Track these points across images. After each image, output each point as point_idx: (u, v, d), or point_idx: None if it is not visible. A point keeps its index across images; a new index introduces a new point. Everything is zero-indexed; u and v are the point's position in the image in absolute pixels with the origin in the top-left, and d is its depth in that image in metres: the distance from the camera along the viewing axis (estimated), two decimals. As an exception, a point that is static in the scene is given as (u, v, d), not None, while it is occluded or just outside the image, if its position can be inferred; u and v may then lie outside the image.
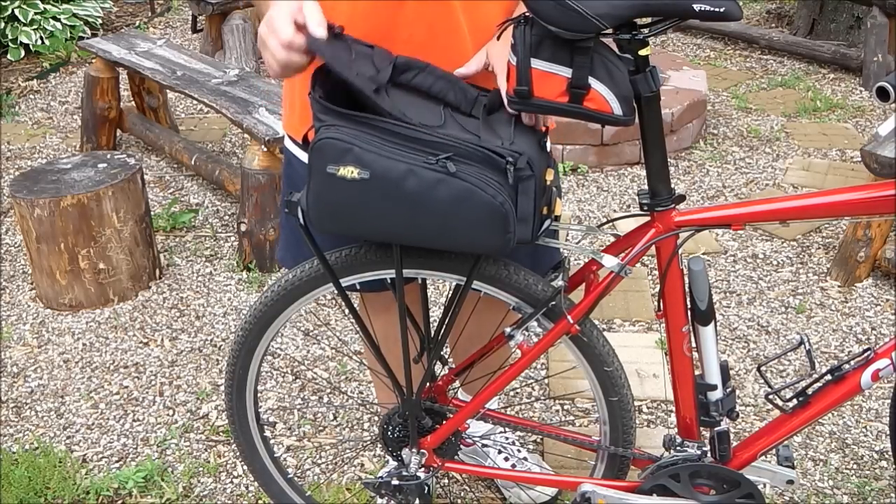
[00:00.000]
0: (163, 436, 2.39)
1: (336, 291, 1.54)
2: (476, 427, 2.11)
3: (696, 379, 1.58)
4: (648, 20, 1.31)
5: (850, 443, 2.26)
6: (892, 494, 2.10)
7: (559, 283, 1.53)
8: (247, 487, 2.21)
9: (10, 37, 5.33)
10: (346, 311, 2.31)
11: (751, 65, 5.07)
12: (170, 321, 2.91)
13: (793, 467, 1.63)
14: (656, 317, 1.72)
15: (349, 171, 1.30)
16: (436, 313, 1.73)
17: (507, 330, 1.56)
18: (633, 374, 2.53)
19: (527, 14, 1.31)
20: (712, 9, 1.24)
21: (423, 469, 1.68)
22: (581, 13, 1.24)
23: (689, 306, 1.52)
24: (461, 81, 1.44)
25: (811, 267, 3.03)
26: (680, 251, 1.48)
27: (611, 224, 3.10)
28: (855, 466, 2.19)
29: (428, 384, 1.67)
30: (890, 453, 2.22)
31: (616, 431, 1.64)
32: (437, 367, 1.68)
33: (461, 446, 1.80)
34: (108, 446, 2.37)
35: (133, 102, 4.29)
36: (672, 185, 1.46)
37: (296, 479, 2.11)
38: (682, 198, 1.47)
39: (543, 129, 1.44)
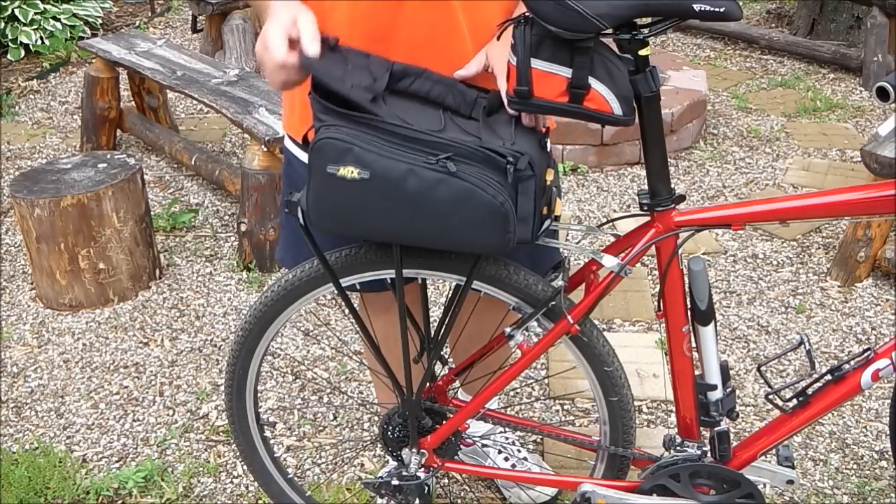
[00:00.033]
0: (163, 436, 2.39)
1: (336, 291, 1.54)
2: (476, 427, 2.11)
3: (696, 379, 1.58)
4: (648, 20, 1.31)
5: (850, 443, 2.26)
6: (892, 494, 2.10)
7: (559, 283, 1.53)
8: (247, 487, 2.21)
9: (10, 37, 5.33)
10: (346, 311, 2.31)
11: (751, 65, 5.07)
12: (170, 321, 2.91)
13: (793, 467, 1.63)
14: (656, 317, 1.72)
15: (349, 171, 1.30)
16: (436, 313, 1.73)
17: (507, 330, 1.56)
18: (633, 374, 2.53)
19: (527, 14, 1.31)
20: (712, 9, 1.24)
21: (423, 469, 1.68)
22: (581, 13, 1.24)
23: (689, 306, 1.52)
24: (459, 84, 1.44)
25: (811, 267, 3.03)
26: (680, 251, 1.48)
27: (611, 224, 3.10)
28: (855, 466, 2.19)
29: (428, 384, 1.67)
30: (890, 453, 2.22)
31: (616, 431, 1.64)
32: (437, 367, 1.68)
33: (461, 446, 1.80)
34: (108, 446, 2.37)
35: (133, 102, 4.29)
36: (672, 185, 1.46)
37: (296, 479, 2.11)
38: (682, 198, 1.47)
39: (544, 129, 1.44)
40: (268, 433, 2.38)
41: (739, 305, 2.85)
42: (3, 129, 4.56)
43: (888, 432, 2.24)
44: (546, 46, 1.30)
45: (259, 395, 2.24)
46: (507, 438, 2.15)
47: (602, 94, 1.31)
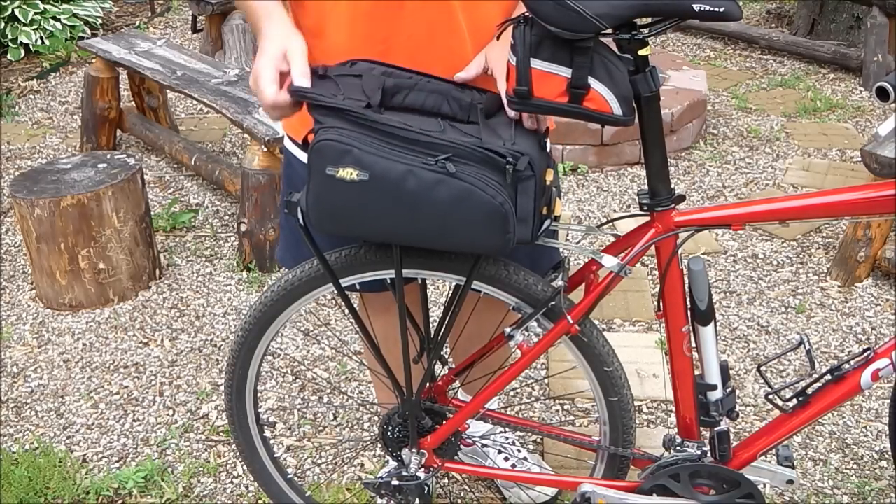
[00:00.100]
0: (163, 436, 2.39)
1: (336, 291, 1.54)
2: (476, 427, 2.11)
3: (696, 379, 1.58)
4: (648, 20, 1.31)
5: (850, 443, 2.26)
6: (892, 494, 2.10)
7: (559, 283, 1.53)
8: (247, 487, 2.21)
9: (10, 37, 5.33)
10: (346, 311, 2.31)
11: (751, 65, 5.07)
12: (170, 321, 2.91)
13: (793, 467, 1.63)
14: (656, 317, 1.72)
15: (348, 173, 1.30)
16: (436, 313, 1.73)
17: (507, 330, 1.56)
18: (633, 374, 2.53)
19: (526, 14, 1.31)
20: (712, 9, 1.24)
21: (422, 469, 1.68)
22: (581, 13, 1.24)
23: (689, 306, 1.52)
24: (454, 90, 1.44)
25: (811, 267, 3.03)
26: (680, 251, 1.48)
27: (611, 224, 3.10)
28: (855, 466, 2.19)
29: (428, 384, 1.67)
30: (890, 453, 2.22)
31: (616, 431, 1.64)
32: (437, 368, 1.68)
33: (461, 446, 1.80)
34: (108, 446, 2.37)
35: (133, 102, 4.29)
36: (672, 185, 1.46)
37: (296, 479, 2.11)
38: (681, 198, 1.47)
39: (543, 129, 1.44)
40: (268, 433, 2.38)
41: (739, 305, 2.85)
42: (3, 129, 4.56)
43: (888, 432, 2.24)
44: (546, 46, 1.30)
45: (259, 395, 2.24)
46: (507, 438, 2.15)
47: (602, 94, 1.31)
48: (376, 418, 2.43)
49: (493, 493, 2.14)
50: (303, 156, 1.57)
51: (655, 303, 2.46)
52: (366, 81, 1.39)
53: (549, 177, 1.37)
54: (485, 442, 2.11)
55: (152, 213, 3.40)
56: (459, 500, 2.13)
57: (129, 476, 2.21)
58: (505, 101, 1.38)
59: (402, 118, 1.34)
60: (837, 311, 2.79)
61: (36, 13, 5.37)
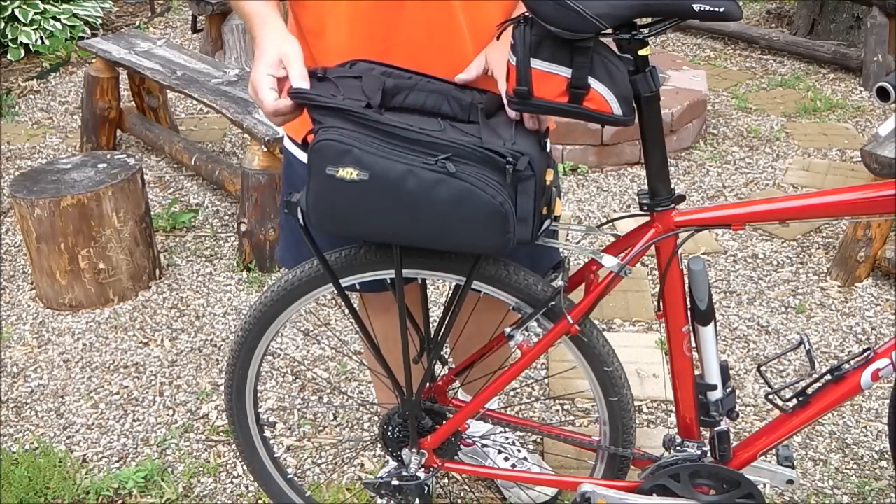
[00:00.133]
0: (163, 436, 2.39)
1: (336, 291, 1.54)
2: (476, 427, 2.11)
3: (696, 379, 1.58)
4: (648, 20, 1.31)
5: (850, 443, 2.26)
6: (892, 494, 2.10)
7: (559, 283, 1.53)
8: (247, 487, 2.21)
9: (10, 37, 5.33)
10: (346, 311, 2.31)
11: (751, 65, 5.07)
12: (170, 321, 2.91)
13: (793, 467, 1.63)
14: (656, 317, 1.72)
15: (348, 173, 1.30)
16: (436, 313, 1.73)
17: (507, 330, 1.56)
18: (633, 374, 2.53)
19: (526, 14, 1.31)
20: (712, 9, 1.24)
21: (423, 469, 1.68)
22: (581, 13, 1.24)
23: (689, 306, 1.52)
24: (454, 90, 1.44)
25: (811, 267, 3.03)
26: (680, 251, 1.48)
27: (611, 224, 3.10)
28: (855, 466, 2.19)
29: (428, 384, 1.67)
30: (890, 453, 2.22)
31: (616, 431, 1.64)
32: (437, 368, 1.68)
33: (461, 446, 1.80)
34: (108, 446, 2.37)
35: (133, 102, 4.29)
36: (672, 185, 1.46)
37: (296, 479, 2.11)
38: (681, 198, 1.47)
39: (544, 129, 1.44)
40: (268, 433, 2.38)
41: (739, 305, 2.85)
42: (3, 129, 4.56)
43: (888, 432, 2.24)
44: (546, 46, 1.30)
45: (259, 395, 2.24)
46: (507, 438, 2.15)
47: (602, 94, 1.31)
48: (376, 418, 2.43)
49: (493, 493, 2.14)
50: (303, 156, 1.57)
51: (655, 303, 2.46)
52: (366, 82, 1.39)
53: (549, 177, 1.37)
54: (485, 442, 2.11)
55: (152, 213, 3.40)
56: (459, 500, 2.13)
57: (129, 476, 2.21)
58: (505, 101, 1.38)
59: (402, 118, 1.34)
60: (837, 311, 2.80)
61: (36, 13, 5.37)
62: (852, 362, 1.53)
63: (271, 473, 1.86)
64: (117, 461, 2.32)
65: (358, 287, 1.60)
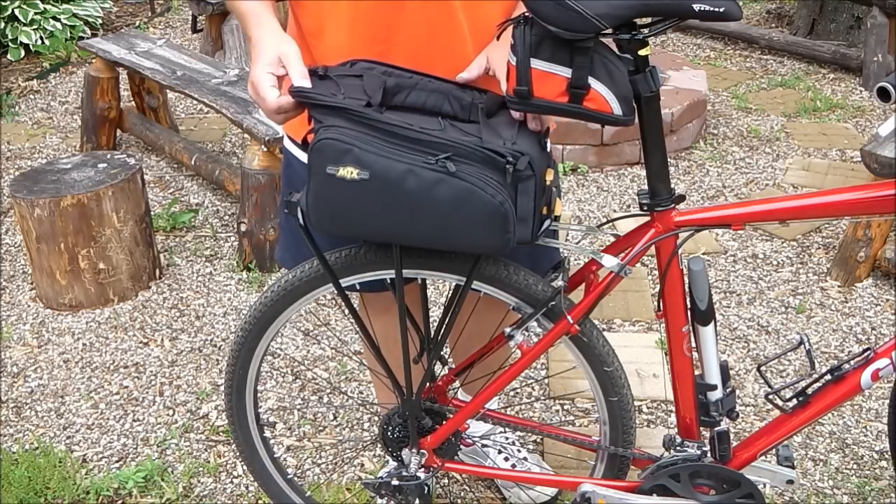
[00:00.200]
0: (163, 436, 2.39)
1: (336, 292, 1.54)
2: (476, 427, 2.11)
3: (696, 379, 1.58)
4: (648, 20, 1.31)
5: (850, 443, 2.26)
6: (892, 494, 2.10)
7: (559, 283, 1.53)
8: (247, 487, 2.21)
9: (10, 37, 5.33)
10: (346, 311, 2.31)
11: (751, 65, 5.07)
12: (170, 321, 2.91)
13: (793, 467, 1.63)
14: (656, 317, 1.72)
15: (349, 172, 1.30)
16: (436, 313, 1.73)
17: (507, 330, 1.56)
18: (633, 374, 2.53)
19: (526, 14, 1.31)
20: (712, 9, 1.24)
21: (423, 469, 1.68)
22: (581, 13, 1.24)
23: (689, 306, 1.52)
24: (455, 90, 1.44)
25: (811, 267, 3.03)
26: (680, 251, 1.48)
27: (611, 224, 3.10)
28: (855, 466, 2.19)
29: (428, 384, 1.67)
30: (890, 453, 2.21)
31: (616, 431, 1.64)
32: (437, 368, 1.68)
33: (461, 446, 1.80)
34: (108, 446, 2.37)
35: (133, 102, 4.29)
36: (672, 185, 1.46)
37: (296, 479, 2.11)
38: (681, 198, 1.47)
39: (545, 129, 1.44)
40: (268, 433, 2.38)
41: (739, 305, 2.85)
42: (3, 129, 4.56)
43: (888, 432, 2.23)
44: (546, 46, 1.30)
45: (259, 395, 2.24)
46: (507, 438, 2.15)
47: (602, 94, 1.31)
48: (376, 418, 2.43)
49: (493, 493, 2.14)
50: (302, 156, 1.57)
51: (655, 303, 2.46)
52: (367, 81, 1.39)
53: (549, 177, 1.37)
54: (485, 442, 2.11)
55: (152, 213, 3.40)
56: (459, 500, 2.13)
57: (129, 476, 2.21)
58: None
59: (402, 117, 1.34)
60: (837, 311, 2.80)
61: (36, 13, 5.37)
62: (852, 362, 1.53)
63: (271, 473, 1.86)
64: (117, 461, 2.32)
65: (358, 287, 1.60)
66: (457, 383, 1.99)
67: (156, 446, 2.36)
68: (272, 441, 2.35)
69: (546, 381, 2.54)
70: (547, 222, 1.40)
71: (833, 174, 3.71)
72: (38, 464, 2.26)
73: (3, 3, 5.27)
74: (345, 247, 1.54)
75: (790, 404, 1.59)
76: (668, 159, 2.10)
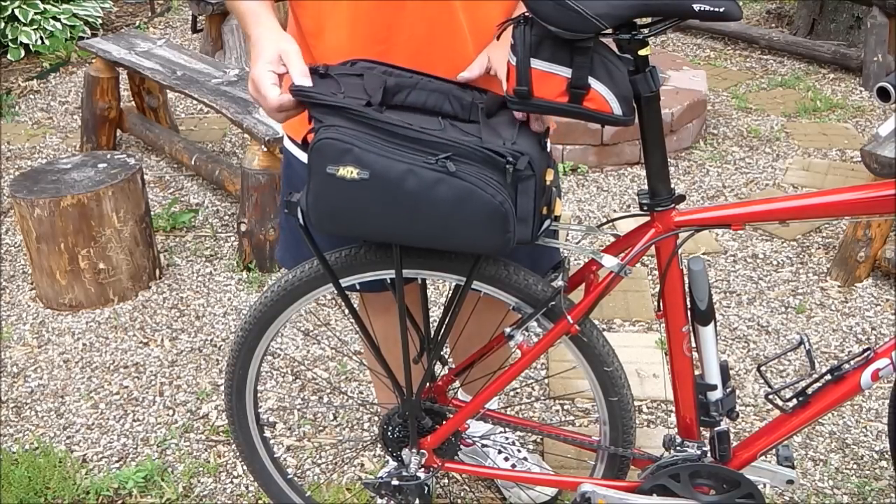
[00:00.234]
0: (163, 436, 2.39)
1: (336, 291, 1.54)
2: (476, 427, 2.11)
3: (696, 379, 1.58)
4: (648, 20, 1.31)
5: (850, 443, 2.26)
6: (892, 494, 2.10)
7: (559, 283, 1.53)
8: (247, 487, 2.21)
9: (10, 37, 5.33)
10: (346, 311, 2.31)
11: (751, 65, 5.07)
12: (170, 321, 2.91)
13: (793, 467, 1.63)
14: (656, 317, 1.72)
15: (349, 172, 1.30)
16: (436, 313, 1.73)
17: (507, 330, 1.56)
18: (633, 374, 2.53)
19: (526, 14, 1.31)
20: (712, 9, 1.24)
21: (423, 469, 1.68)
22: (581, 13, 1.24)
23: (689, 306, 1.52)
24: (455, 90, 1.44)
25: (811, 267, 3.03)
26: (680, 251, 1.48)
27: (611, 224, 3.10)
28: (855, 466, 2.19)
29: (428, 384, 1.67)
30: (890, 453, 2.21)
31: (616, 431, 1.64)
32: (437, 368, 1.68)
33: (461, 446, 1.80)
34: (108, 446, 2.37)
35: (133, 102, 4.29)
36: (672, 185, 1.46)
37: (296, 479, 2.11)
38: (681, 198, 1.47)
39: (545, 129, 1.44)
40: (268, 433, 2.38)
41: (739, 305, 2.85)
42: (3, 129, 4.56)
43: (888, 432, 2.23)
44: (546, 46, 1.30)
45: (259, 395, 2.24)
46: (507, 438, 2.15)
47: (602, 94, 1.31)
48: (376, 418, 2.43)
49: (493, 493, 2.14)
50: (302, 156, 1.57)
51: (655, 303, 2.46)
52: (367, 80, 1.39)
53: (549, 177, 1.37)
54: (485, 442, 2.11)
55: (152, 213, 3.40)
56: (459, 500, 2.13)
57: (129, 476, 2.21)
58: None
59: (402, 117, 1.34)
60: (837, 311, 2.80)
61: (36, 13, 5.37)
62: (852, 362, 1.53)
63: (271, 473, 1.86)
64: (117, 461, 2.32)
65: (358, 287, 1.60)
66: (457, 383, 1.99)
67: (156, 446, 2.36)
68: (272, 441, 2.35)
69: (546, 381, 2.54)
70: (547, 222, 1.40)
71: (833, 174, 3.71)
72: (38, 464, 2.26)
73: (3, 3, 5.27)
74: (345, 247, 1.54)
75: (790, 404, 1.59)
76: (668, 159, 2.10)
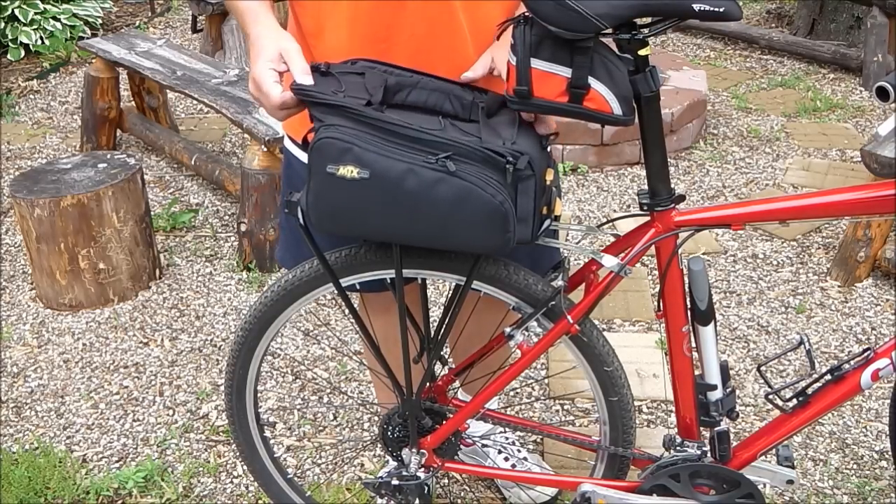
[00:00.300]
0: (163, 436, 2.39)
1: (336, 291, 1.54)
2: (476, 427, 2.11)
3: (696, 379, 1.58)
4: (648, 20, 1.31)
5: (850, 443, 2.26)
6: (892, 494, 2.10)
7: (559, 283, 1.53)
8: (247, 487, 2.21)
9: (10, 37, 5.33)
10: (346, 311, 2.31)
11: (751, 65, 5.07)
12: (170, 321, 2.91)
13: (793, 467, 1.63)
14: (656, 317, 1.72)
15: (349, 171, 1.30)
16: (436, 313, 1.73)
17: (507, 330, 1.56)
18: (633, 374, 2.53)
19: (527, 14, 1.31)
20: (712, 9, 1.24)
21: (423, 469, 1.68)
22: (581, 13, 1.24)
23: (689, 306, 1.52)
24: (456, 89, 1.44)
25: (811, 267, 3.03)
26: (680, 251, 1.48)
27: (611, 224, 3.10)
28: (855, 466, 2.19)
29: (428, 384, 1.67)
30: (890, 453, 2.21)
31: (616, 431, 1.64)
32: (437, 367, 1.68)
33: (461, 446, 1.80)
34: (108, 446, 2.37)
35: (133, 102, 4.29)
36: (672, 185, 1.46)
37: (296, 479, 2.11)
38: (681, 198, 1.47)
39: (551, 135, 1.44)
40: (268, 433, 2.38)
41: (739, 305, 2.85)
42: (3, 129, 4.56)
43: (888, 432, 2.23)
44: (546, 46, 1.30)
45: (259, 395, 2.24)
46: (507, 438, 2.15)
47: (602, 93, 1.31)
48: (376, 418, 2.43)
49: (493, 493, 2.14)
50: (303, 156, 1.57)
51: (655, 303, 2.46)
52: (368, 79, 1.39)
53: (549, 176, 1.38)
54: (485, 442, 2.11)
55: (152, 213, 3.40)
56: (459, 500, 2.13)
57: (129, 476, 2.21)
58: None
59: (403, 116, 1.34)
60: (837, 311, 2.80)
61: (36, 13, 5.37)
62: (852, 362, 1.53)
63: (271, 473, 1.86)
64: (117, 461, 2.32)
65: (358, 287, 1.60)
66: (457, 383, 1.99)
67: (156, 446, 2.36)
68: (272, 441, 2.35)
69: (546, 381, 2.54)
70: (547, 222, 1.40)
71: (833, 174, 3.71)
72: (38, 464, 2.26)
73: (3, 3, 5.27)
74: (345, 247, 1.54)
75: (790, 404, 1.59)
76: (668, 159, 2.10)
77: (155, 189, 3.83)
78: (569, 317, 1.50)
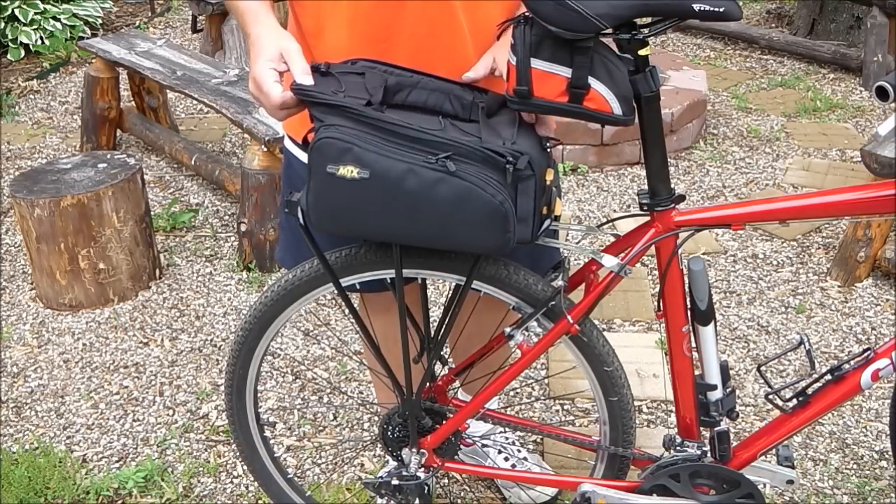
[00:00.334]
0: (163, 436, 2.39)
1: (336, 291, 1.54)
2: (476, 427, 2.11)
3: (696, 379, 1.58)
4: (648, 20, 1.31)
5: (850, 443, 2.26)
6: (892, 494, 2.10)
7: (559, 283, 1.53)
8: (247, 487, 2.21)
9: (10, 37, 5.33)
10: (346, 311, 2.31)
11: (751, 65, 5.07)
12: (170, 321, 2.91)
13: (793, 467, 1.63)
14: (656, 317, 1.72)
15: (349, 171, 1.30)
16: (436, 313, 1.73)
17: (507, 330, 1.56)
18: (633, 374, 2.53)
19: (527, 14, 1.31)
20: (712, 9, 1.24)
21: (423, 469, 1.68)
22: (581, 13, 1.24)
23: (689, 306, 1.52)
24: (456, 89, 1.44)
25: (811, 267, 3.03)
26: (680, 251, 1.48)
27: (611, 224, 3.10)
28: (855, 466, 2.19)
29: (428, 384, 1.67)
30: (890, 453, 2.22)
31: (616, 431, 1.64)
32: (437, 367, 1.68)
33: (461, 446, 1.80)
34: (108, 446, 2.37)
35: (133, 102, 4.29)
36: (672, 185, 1.46)
37: (296, 479, 2.11)
38: (681, 198, 1.47)
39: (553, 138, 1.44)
40: (268, 433, 2.38)
41: (739, 305, 2.85)
42: (3, 129, 4.56)
43: (888, 432, 2.24)
44: (546, 46, 1.30)
45: (259, 395, 2.24)
46: (507, 438, 2.15)
47: (602, 93, 1.31)
48: (376, 418, 2.43)
49: (493, 493, 2.14)
50: (303, 156, 1.57)
51: (655, 303, 2.46)
52: (369, 78, 1.40)
53: (549, 176, 1.38)
54: (485, 442, 2.11)
55: (152, 213, 3.40)
56: (459, 500, 2.13)
57: (129, 476, 2.21)
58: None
59: (403, 116, 1.34)
60: (837, 311, 2.79)
61: (36, 13, 5.37)
62: (852, 362, 1.53)
63: (271, 473, 1.86)
64: (117, 461, 2.32)
65: (358, 287, 1.60)
66: (457, 383, 1.99)
67: (156, 446, 2.36)
68: (272, 441, 2.35)
69: (546, 381, 2.54)
70: (547, 222, 1.40)
71: (833, 174, 3.71)
72: (38, 464, 2.26)
73: (3, 3, 5.27)
74: (345, 246, 1.54)
75: (790, 404, 1.59)
76: (668, 159, 2.10)
77: (155, 189, 3.83)
78: (569, 317, 1.50)
